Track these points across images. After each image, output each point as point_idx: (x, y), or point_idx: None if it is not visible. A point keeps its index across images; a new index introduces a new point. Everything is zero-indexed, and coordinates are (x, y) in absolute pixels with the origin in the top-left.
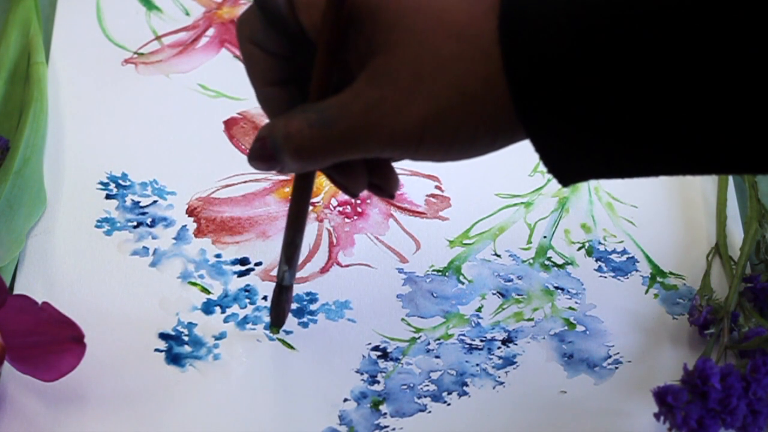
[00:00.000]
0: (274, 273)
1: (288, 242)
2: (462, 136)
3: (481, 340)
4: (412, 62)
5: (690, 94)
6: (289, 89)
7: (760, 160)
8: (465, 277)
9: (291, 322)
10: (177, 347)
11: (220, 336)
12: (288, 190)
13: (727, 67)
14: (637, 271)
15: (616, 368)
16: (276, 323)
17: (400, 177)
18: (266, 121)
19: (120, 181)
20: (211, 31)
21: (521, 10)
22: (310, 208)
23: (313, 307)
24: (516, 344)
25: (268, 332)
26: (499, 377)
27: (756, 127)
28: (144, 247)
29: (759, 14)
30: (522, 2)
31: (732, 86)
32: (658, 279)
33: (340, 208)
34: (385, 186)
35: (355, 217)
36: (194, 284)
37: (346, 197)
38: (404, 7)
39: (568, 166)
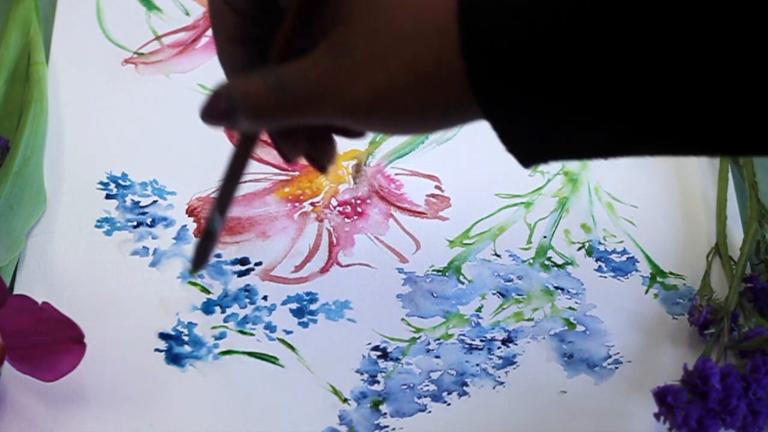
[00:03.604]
0: (275, 273)
1: (225, 194)
2: (411, 114)
3: (481, 340)
4: (370, 36)
5: (653, 70)
6: (251, 49)
7: (717, 141)
8: (465, 277)
9: (291, 321)
10: (177, 347)
11: (220, 336)
12: (288, 190)
13: (684, 39)
14: (637, 271)
15: (616, 368)
16: (197, 267)
17: (400, 177)
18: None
19: (120, 181)
20: (211, 31)
21: None
22: (311, 208)
23: (313, 307)
24: (516, 344)
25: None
26: (499, 377)
27: (704, 103)
28: (144, 247)
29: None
30: None
31: (692, 58)
32: (658, 279)
33: (340, 208)
34: (320, 158)
35: (355, 217)
36: (194, 284)
37: (346, 197)
38: None
39: (528, 146)
